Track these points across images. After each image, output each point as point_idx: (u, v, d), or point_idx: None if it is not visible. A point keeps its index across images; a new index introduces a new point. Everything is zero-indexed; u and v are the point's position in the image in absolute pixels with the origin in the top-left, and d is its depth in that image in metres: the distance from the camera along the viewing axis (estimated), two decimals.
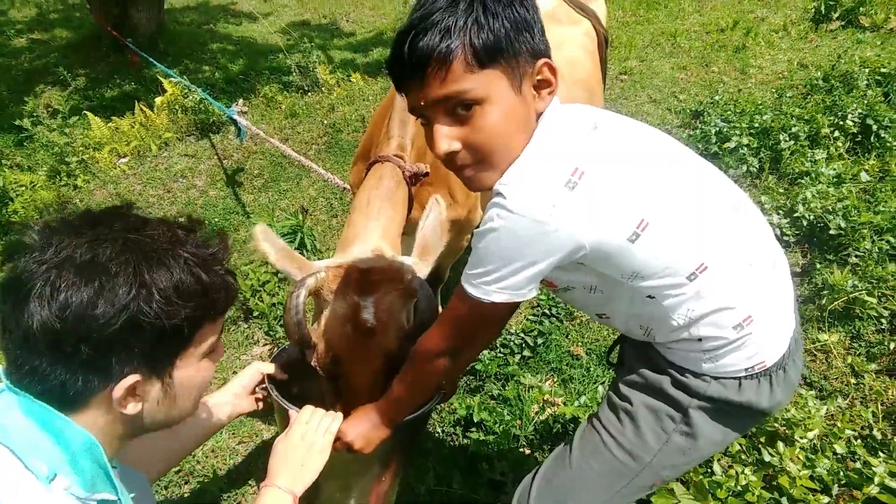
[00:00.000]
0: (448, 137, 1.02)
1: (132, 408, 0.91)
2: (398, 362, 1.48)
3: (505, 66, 0.99)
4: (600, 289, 1.15)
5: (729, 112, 3.82)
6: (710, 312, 1.11)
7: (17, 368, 0.86)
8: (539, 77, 1.04)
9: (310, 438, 1.35)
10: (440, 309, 2.66)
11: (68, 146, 4.07)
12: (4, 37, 6.97)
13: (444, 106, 1.00)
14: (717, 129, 3.66)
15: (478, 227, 1.05)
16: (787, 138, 3.48)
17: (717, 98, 4.09)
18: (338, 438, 1.40)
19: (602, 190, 0.98)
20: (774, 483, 1.78)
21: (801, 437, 1.82)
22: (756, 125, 3.61)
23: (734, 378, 1.17)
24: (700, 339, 1.14)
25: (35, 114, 4.39)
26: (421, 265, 1.56)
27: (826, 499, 1.76)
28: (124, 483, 1.17)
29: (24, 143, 4.45)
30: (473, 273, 1.08)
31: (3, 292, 0.86)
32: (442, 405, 2.32)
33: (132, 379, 0.88)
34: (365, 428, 1.39)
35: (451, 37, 0.95)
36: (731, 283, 1.10)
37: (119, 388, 0.87)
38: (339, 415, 1.42)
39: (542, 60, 1.03)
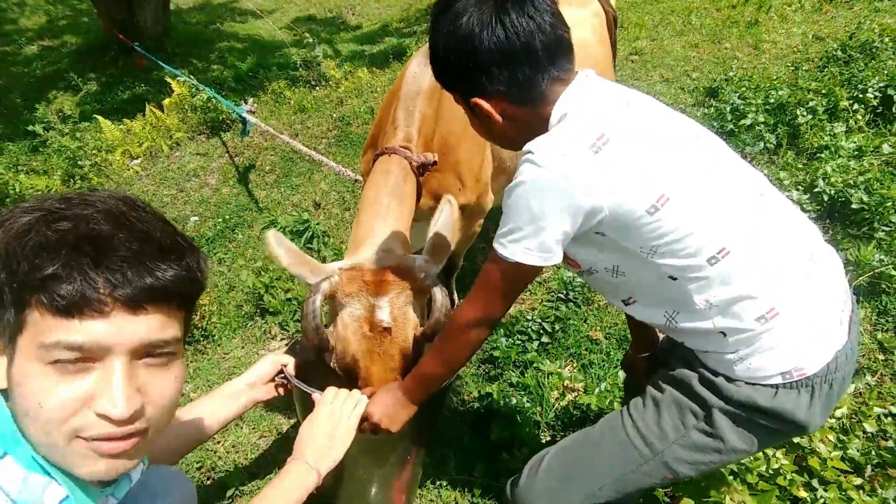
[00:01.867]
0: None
1: None
2: (415, 361, 1.48)
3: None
4: (622, 269, 1.15)
5: (744, 88, 3.73)
6: (731, 300, 1.08)
7: None
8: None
9: (336, 417, 1.38)
10: (458, 302, 2.64)
11: (80, 150, 4.10)
12: (16, 45, 7.06)
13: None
14: (733, 106, 3.58)
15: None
16: (805, 113, 3.40)
17: (730, 75, 4.00)
18: (364, 419, 1.42)
19: (624, 159, 1.02)
20: (804, 465, 1.74)
21: (830, 417, 1.76)
22: (772, 101, 3.53)
23: (770, 386, 1.12)
24: (724, 334, 1.12)
25: (46, 119, 4.43)
26: (432, 264, 1.55)
27: (859, 480, 1.71)
28: (152, 484, 1.15)
29: (39, 149, 4.49)
30: (503, 232, 1.11)
31: None
32: (461, 392, 2.30)
33: None
34: (390, 405, 1.41)
35: None
36: (754, 270, 1.07)
37: None
38: (364, 397, 1.44)
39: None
